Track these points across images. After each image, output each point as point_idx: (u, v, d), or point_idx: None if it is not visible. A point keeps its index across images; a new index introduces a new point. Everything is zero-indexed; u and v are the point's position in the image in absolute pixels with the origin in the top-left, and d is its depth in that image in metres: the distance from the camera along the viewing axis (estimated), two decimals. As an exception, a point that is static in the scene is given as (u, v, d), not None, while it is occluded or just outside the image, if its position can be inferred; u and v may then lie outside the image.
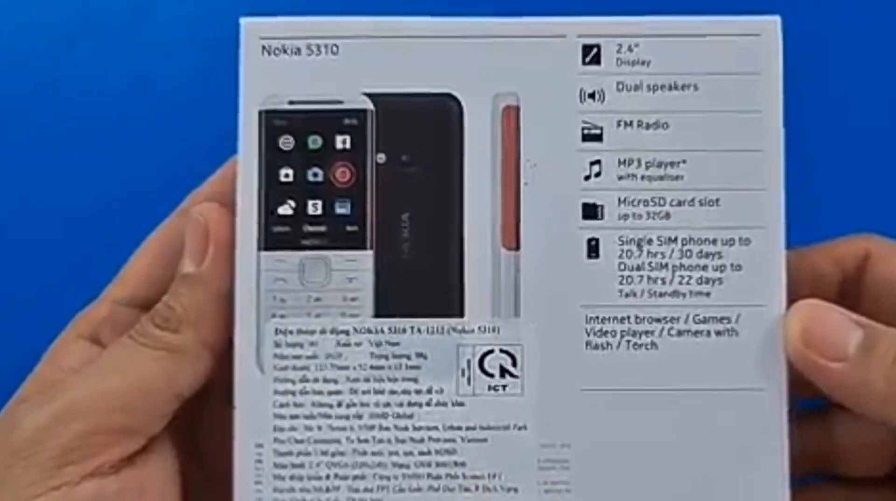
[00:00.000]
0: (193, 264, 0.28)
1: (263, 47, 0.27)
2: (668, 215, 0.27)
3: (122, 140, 0.36)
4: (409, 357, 0.27)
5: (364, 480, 0.27)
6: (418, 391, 0.27)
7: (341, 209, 0.27)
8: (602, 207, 0.27)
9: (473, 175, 0.27)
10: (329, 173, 0.27)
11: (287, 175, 0.27)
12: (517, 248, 0.27)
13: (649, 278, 0.27)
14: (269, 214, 0.27)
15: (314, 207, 0.27)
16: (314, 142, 0.27)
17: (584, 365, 0.27)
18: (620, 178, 0.27)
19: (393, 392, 0.27)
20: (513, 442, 0.27)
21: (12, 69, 0.36)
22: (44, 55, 0.36)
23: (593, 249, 0.27)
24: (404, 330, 0.27)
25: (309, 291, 0.27)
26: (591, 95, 0.27)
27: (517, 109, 0.27)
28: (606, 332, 0.27)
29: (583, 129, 0.27)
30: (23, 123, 0.36)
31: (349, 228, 0.27)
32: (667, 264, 0.27)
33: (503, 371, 0.27)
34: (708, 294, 0.27)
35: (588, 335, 0.27)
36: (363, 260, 0.27)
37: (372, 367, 0.27)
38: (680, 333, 0.27)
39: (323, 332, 0.27)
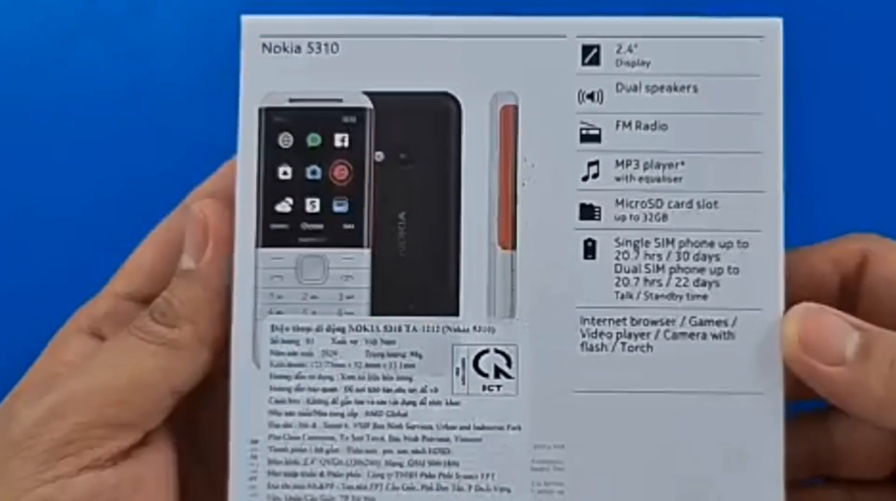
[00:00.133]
0: (192, 260, 0.28)
1: (264, 45, 0.28)
2: (665, 217, 0.27)
3: (123, 138, 0.36)
4: (404, 356, 0.27)
5: (358, 477, 0.27)
6: (413, 390, 0.27)
7: (339, 208, 0.27)
8: (599, 208, 0.27)
9: (471, 174, 0.27)
10: (327, 171, 0.27)
11: (286, 173, 0.27)
12: (514, 248, 0.27)
13: (646, 279, 0.27)
14: (268, 211, 0.27)
15: (312, 204, 0.27)
16: (313, 140, 0.27)
17: (578, 366, 0.27)
18: (618, 179, 0.27)
19: (387, 390, 0.27)
20: (506, 443, 0.27)
21: (12, 69, 0.36)
22: (44, 55, 0.36)
23: (590, 250, 0.27)
24: (400, 329, 0.27)
25: (306, 288, 0.27)
26: (590, 96, 0.27)
27: (516, 108, 0.27)
28: (602, 333, 0.27)
29: (581, 129, 0.27)
30: (23, 123, 0.36)
31: (346, 226, 0.27)
32: (663, 266, 0.27)
33: (498, 371, 0.27)
34: (705, 297, 0.27)
35: (583, 336, 0.27)
36: (360, 258, 0.27)
37: (367, 365, 0.27)
38: (676, 335, 0.27)
39: (319, 329, 0.27)
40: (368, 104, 0.27)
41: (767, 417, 0.27)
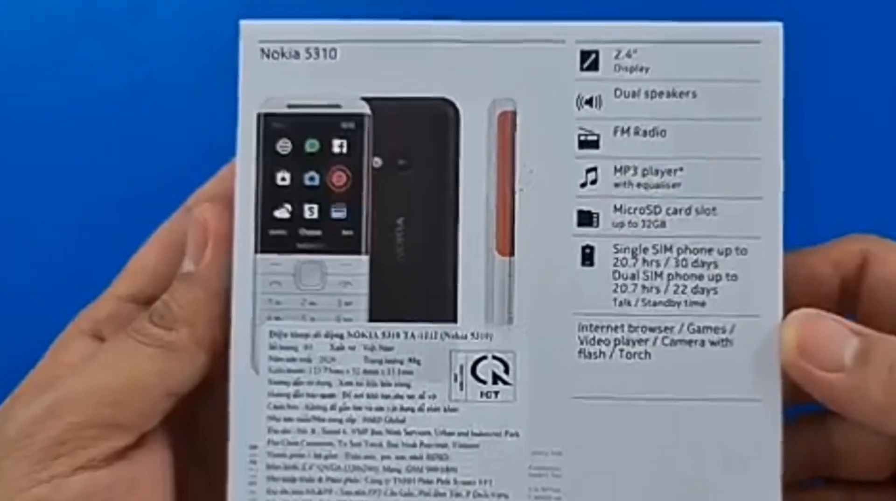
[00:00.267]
0: (192, 264, 0.28)
1: (262, 50, 0.27)
2: (663, 224, 0.27)
3: (123, 139, 0.36)
4: (402, 362, 0.27)
5: (356, 483, 0.27)
6: (411, 396, 0.27)
7: (337, 214, 0.27)
8: (597, 214, 0.27)
9: (469, 180, 0.27)
10: (326, 177, 0.27)
11: (284, 178, 0.27)
12: (512, 254, 0.27)
13: (644, 286, 0.27)
14: (266, 217, 0.27)
15: (310, 210, 0.27)
16: (312, 146, 0.27)
17: (576, 373, 0.27)
18: (616, 185, 0.27)
19: (386, 397, 0.27)
20: (504, 449, 0.27)
21: (12, 69, 0.37)
22: (44, 55, 0.36)
23: (588, 256, 0.27)
24: (398, 335, 0.27)
25: (304, 294, 0.27)
26: (589, 102, 0.27)
27: (514, 114, 0.27)
28: (600, 340, 0.27)
29: (579, 135, 0.27)
30: (22, 123, 0.36)
31: (345, 232, 0.27)
32: (661, 273, 0.27)
33: (496, 378, 0.27)
34: (703, 304, 0.27)
35: (581, 342, 0.27)
36: (358, 265, 0.27)
37: (365, 371, 0.27)
38: (674, 342, 0.27)
39: (317, 335, 0.27)
40: (367, 110, 0.27)
41: (765, 424, 0.26)
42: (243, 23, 0.28)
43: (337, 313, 0.27)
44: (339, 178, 0.27)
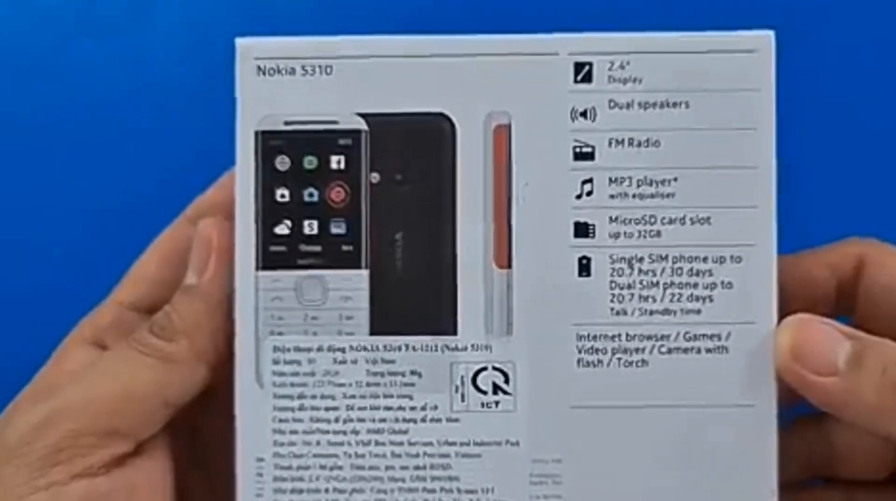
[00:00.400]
0: (195, 277, 0.28)
1: (259, 67, 0.28)
2: (659, 234, 0.27)
3: (123, 142, 0.36)
4: (403, 375, 0.27)
5: (362, 494, 0.27)
6: (413, 408, 0.27)
7: (336, 229, 0.28)
8: (593, 225, 0.27)
9: (466, 194, 0.27)
10: (324, 193, 0.28)
11: (283, 195, 0.28)
12: (509, 266, 0.27)
13: (640, 296, 0.27)
14: (267, 233, 0.28)
15: (310, 226, 0.28)
16: (310, 162, 0.28)
17: (575, 382, 0.27)
18: (612, 197, 0.27)
19: (388, 409, 0.27)
20: (505, 457, 0.27)
21: (11, 69, 0.36)
22: (43, 55, 0.36)
23: (585, 267, 0.27)
24: (399, 348, 0.28)
25: (306, 309, 0.28)
26: (583, 114, 0.27)
27: (509, 127, 0.27)
28: (597, 350, 0.27)
29: (574, 148, 0.27)
30: (22, 124, 0.36)
31: (345, 247, 0.28)
32: (658, 283, 0.27)
33: (496, 388, 0.27)
34: (698, 312, 0.27)
35: (579, 352, 0.27)
36: (358, 279, 0.28)
37: (368, 384, 0.28)
38: (670, 350, 0.27)
39: (320, 349, 0.28)
40: (363, 126, 0.28)
41: (761, 429, 0.27)
42: (239, 41, 0.28)
43: (338, 327, 0.28)
44: (337, 194, 0.28)
